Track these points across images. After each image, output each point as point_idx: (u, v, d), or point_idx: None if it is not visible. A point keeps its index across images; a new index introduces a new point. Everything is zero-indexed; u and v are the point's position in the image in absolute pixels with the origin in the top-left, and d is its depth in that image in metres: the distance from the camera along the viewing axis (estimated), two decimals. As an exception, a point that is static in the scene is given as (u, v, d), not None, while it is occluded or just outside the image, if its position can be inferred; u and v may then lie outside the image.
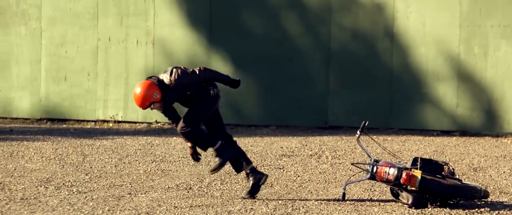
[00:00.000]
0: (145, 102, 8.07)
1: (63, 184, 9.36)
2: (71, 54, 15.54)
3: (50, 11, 15.52)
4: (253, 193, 8.45)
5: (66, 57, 15.56)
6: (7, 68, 15.68)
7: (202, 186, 9.34)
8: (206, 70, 8.19)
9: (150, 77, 8.25)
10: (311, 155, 11.84)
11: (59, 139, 13.23)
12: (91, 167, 10.60)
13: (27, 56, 15.56)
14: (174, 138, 13.65)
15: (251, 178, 8.45)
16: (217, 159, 8.34)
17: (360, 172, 9.26)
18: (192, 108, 8.24)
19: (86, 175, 10.00)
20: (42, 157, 11.35)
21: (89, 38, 15.47)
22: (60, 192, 8.89)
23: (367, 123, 8.23)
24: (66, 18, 15.48)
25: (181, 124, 8.21)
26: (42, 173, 10.11)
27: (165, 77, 8.15)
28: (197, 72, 8.16)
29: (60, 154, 11.63)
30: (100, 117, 15.52)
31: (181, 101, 8.36)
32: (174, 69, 8.14)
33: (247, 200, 8.47)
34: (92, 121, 15.52)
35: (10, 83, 15.68)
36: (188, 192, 8.99)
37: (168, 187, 9.21)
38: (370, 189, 9.14)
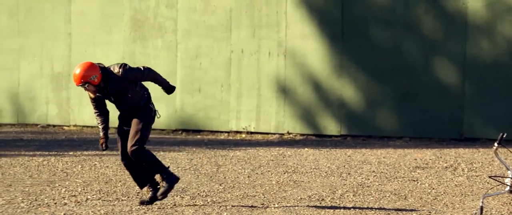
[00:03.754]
0: (81, 80, 8.31)
1: (198, 194, 9.50)
2: (205, 66, 15.78)
3: (185, 24, 15.82)
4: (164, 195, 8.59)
5: (200, 69, 15.81)
6: (144, 80, 16.07)
7: (334, 197, 9.29)
8: (149, 70, 8.59)
9: (98, 64, 8.47)
10: (446, 167, 11.61)
11: (194, 149, 13.44)
12: (225, 178, 10.72)
13: (163, 68, 15.90)
14: (306, 149, 13.66)
15: (163, 182, 8.56)
16: (165, 183, 8.52)
17: (498, 185, 9.01)
18: (137, 127, 8.43)
19: (220, 185, 10.11)
20: (178, 167, 11.55)
21: (223, 50, 15.68)
22: (195, 201, 9.02)
23: (505, 134, 8.00)
24: (200, 31, 15.74)
25: (131, 143, 8.39)
26: (178, 183, 10.28)
27: (115, 68, 8.42)
28: (142, 69, 8.54)
29: (194, 164, 11.81)
30: (233, 127, 15.68)
31: (121, 102, 8.47)
32: (124, 64, 8.48)
33: (380, 211, 8.37)
34: (226, 132, 15.71)
35: (146, 94, 16.06)
36: (320, 203, 8.95)
37: (300, 198, 9.21)
38: (510, 203, 8.88)
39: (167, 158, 12.38)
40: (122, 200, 9.12)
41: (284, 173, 11.02)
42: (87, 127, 16.07)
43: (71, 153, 12.75)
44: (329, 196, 9.33)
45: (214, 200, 9.13)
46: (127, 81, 8.45)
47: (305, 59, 15.24)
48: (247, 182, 10.38)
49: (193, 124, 15.89)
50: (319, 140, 14.93)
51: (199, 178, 10.63)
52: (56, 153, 12.70)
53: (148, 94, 8.68)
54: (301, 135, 15.25)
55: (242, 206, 8.75)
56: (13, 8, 16.13)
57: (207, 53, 15.71)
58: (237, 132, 15.57)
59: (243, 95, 15.58)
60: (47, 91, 16.23)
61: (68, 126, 16.22)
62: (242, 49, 15.55)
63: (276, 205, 8.78)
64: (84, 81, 8.29)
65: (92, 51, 16.05)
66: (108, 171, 11.14)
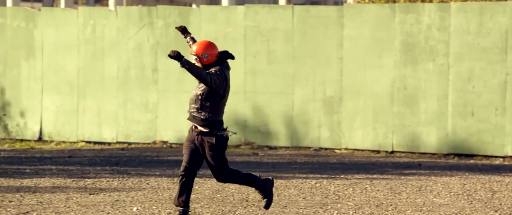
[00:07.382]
0: (196, 51, 8.70)
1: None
2: (478, 89, 15.38)
3: (457, 46, 15.53)
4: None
5: (473, 92, 15.43)
6: (415, 103, 15.93)
7: None
8: (213, 78, 8.56)
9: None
10: None
11: (467, 174, 13.11)
12: (500, 204, 10.34)
13: (435, 91, 15.68)
14: None
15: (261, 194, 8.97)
16: (263, 198, 8.91)
17: None
18: (216, 158, 8.69)
19: (495, 211, 9.77)
20: (450, 192, 11.31)
21: (497, 73, 15.21)
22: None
23: None
24: (473, 53, 15.38)
25: (218, 177, 8.81)
26: (450, 208, 10.06)
27: (224, 69, 8.71)
28: (211, 77, 8.59)
29: (468, 190, 11.50)
30: (509, 152, 15.12)
31: (201, 91, 8.70)
32: (219, 72, 8.65)
33: None
34: (501, 157, 15.18)
35: (418, 118, 15.90)
36: None
37: None
38: None
39: (439, 182, 12.15)
40: (394, 224, 9.06)
41: None
42: (358, 150, 16.17)
43: (342, 176, 12.87)
44: None
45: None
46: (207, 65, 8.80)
47: None
48: (524, 209, 9.95)
49: (465, 148, 15.51)
50: None
51: (472, 204, 10.33)
52: (328, 175, 12.88)
53: (221, 123, 8.79)
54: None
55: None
56: (289, 34, 16.61)
57: (481, 76, 15.31)
58: (514, 157, 15.01)
59: (519, 119, 15.01)
60: (319, 115, 16.53)
61: (339, 149, 16.41)
62: (518, 72, 15.02)
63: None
64: (196, 54, 8.74)
65: (363, 75, 16.15)
66: (379, 194, 11.12)
